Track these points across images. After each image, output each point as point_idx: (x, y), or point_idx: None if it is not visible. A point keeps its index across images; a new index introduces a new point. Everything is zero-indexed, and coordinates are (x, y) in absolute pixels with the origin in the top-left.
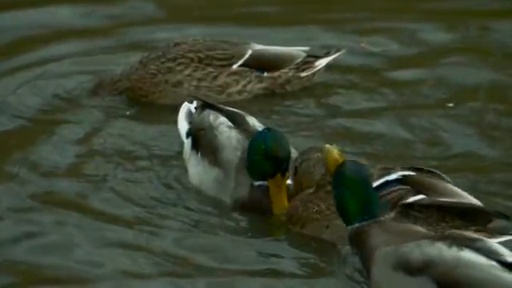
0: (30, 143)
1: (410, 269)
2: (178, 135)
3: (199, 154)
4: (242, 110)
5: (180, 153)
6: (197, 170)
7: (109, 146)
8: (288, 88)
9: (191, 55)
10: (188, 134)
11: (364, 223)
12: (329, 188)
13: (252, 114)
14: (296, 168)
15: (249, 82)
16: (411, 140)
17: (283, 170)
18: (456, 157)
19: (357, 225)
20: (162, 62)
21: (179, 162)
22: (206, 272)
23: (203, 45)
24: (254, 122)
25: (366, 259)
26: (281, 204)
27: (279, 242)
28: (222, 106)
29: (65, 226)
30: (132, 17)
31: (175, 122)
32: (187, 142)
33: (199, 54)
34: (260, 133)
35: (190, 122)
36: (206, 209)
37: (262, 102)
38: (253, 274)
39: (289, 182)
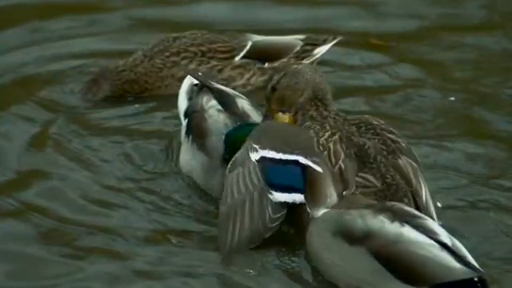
0: None
1: (351, 237)
2: (155, 144)
3: (190, 138)
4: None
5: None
6: (187, 156)
7: (70, 136)
8: None
9: (194, 49)
10: (185, 115)
11: None
12: None
13: (255, 105)
14: (273, 87)
15: (252, 75)
16: (424, 119)
17: None
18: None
19: None
20: (167, 56)
21: (135, 162)
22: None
23: (203, 38)
24: (243, 105)
25: None
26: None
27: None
28: (213, 84)
29: None
30: None
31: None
32: (183, 125)
33: (201, 48)
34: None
35: (189, 99)
36: (161, 204)
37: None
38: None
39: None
